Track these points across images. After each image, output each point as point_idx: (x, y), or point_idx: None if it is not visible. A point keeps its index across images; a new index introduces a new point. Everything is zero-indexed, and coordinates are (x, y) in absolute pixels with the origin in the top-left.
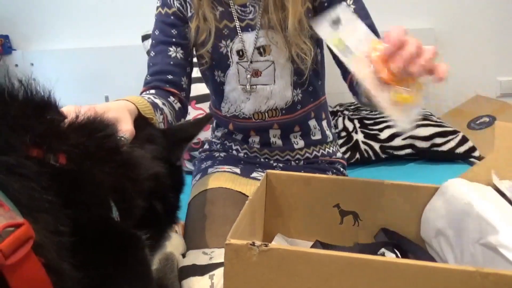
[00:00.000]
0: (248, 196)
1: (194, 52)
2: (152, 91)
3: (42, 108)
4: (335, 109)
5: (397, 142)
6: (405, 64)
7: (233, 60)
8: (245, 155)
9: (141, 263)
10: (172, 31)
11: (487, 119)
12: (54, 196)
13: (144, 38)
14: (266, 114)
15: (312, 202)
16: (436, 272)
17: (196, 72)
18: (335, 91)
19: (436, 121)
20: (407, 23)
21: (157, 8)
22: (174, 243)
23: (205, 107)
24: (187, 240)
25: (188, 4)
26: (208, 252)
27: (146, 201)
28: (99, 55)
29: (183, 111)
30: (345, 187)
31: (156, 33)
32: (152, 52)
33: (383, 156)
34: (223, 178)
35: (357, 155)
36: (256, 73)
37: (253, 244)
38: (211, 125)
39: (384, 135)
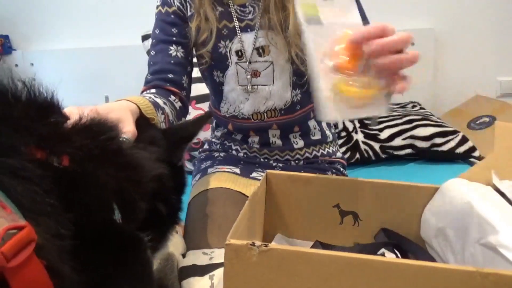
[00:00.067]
0: (248, 196)
1: (194, 52)
2: (153, 90)
3: (45, 109)
4: None
5: (397, 142)
6: (378, 50)
7: (232, 60)
8: (245, 155)
9: (143, 264)
10: (173, 30)
11: (487, 119)
12: (57, 199)
13: (144, 38)
14: (265, 114)
15: (312, 202)
16: (436, 272)
17: (196, 72)
18: None
19: (436, 121)
20: (407, 23)
21: (157, 7)
22: (174, 243)
23: (205, 107)
24: (187, 240)
25: (188, 3)
26: (208, 252)
27: (149, 203)
28: (99, 55)
29: (184, 110)
30: (345, 187)
31: (157, 32)
32: (152, 51)
33: (383, 156)
34: (223, 178)
35: (357, 155)
36: (255, 74)
37: (253, 244)
38: (210, 125)
39: (384, 135)
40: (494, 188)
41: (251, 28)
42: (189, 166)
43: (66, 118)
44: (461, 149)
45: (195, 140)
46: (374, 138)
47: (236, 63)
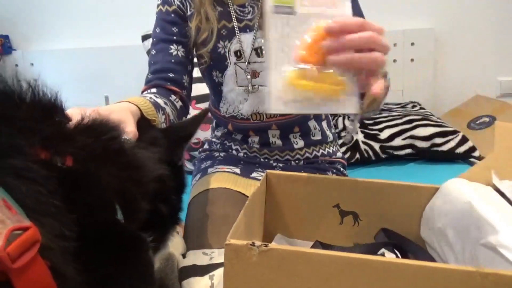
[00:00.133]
0: (248, 196)
1: (194, 52)
2: (154, 89)
3: (49, 110)
4: None
5: (397, 142)
6: (335, 47)
7: (230, 61)
8: (245, 155)
9: (145, 265)
10: (173, 29)
11: (487, 119)
12: (61, 200)
13: (144, 38)
14: (264, 115)
15: (312, 202)
16: (436, 272)
17: (196, 72)
18: None
19: (436, 121)
20: (407, 23)
21: (158, 5)
22: (174, 243)
23: (205, 107)
24: (187, 240)
25: (188, 3)
26: (208, 252)
27: (150, 204)
28: (99, 55)
29: (185, 110)
30: (345, 187)
31: (157, 31)
32: (153, 50)
33: (383, 156)
34: (223, 178)
35: (357, 155)
36: (254, 74)
37: (253, 244)
38: (210, 125)
39: (384, 135)
40: (494, 188)
41: (250, 29)
42: (189, 166)
43: (69, 119)
44: (461, 149)
45: (195, 140)
46: (374, 138)
47: (235, 63)
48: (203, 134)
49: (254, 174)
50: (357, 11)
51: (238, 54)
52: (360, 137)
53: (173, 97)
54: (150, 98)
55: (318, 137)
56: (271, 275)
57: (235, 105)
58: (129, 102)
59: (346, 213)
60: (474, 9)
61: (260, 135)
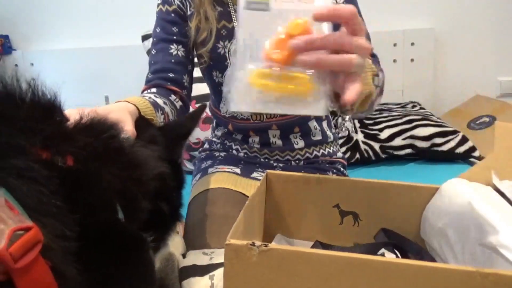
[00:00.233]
0: (248, 196)
1: (194, 52)
2: (154, 89)
3: (49, 110)
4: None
5: (397, 142)
6: (301, 46)
7: (231, 61)
8: (245, 155)
9: (145, 265)
10: (173, 28)
11: (487, 119)
12: (62, 200)
13: (144, 38)
14: (265, 115)
15: (312, 202)
16: (436, 272)
17: (196, 72)
18: None
19: (436, 121)
20: (407, 23)
21: (158, 5)
22: (174, 243)
23: None
24: (187, 240)
25: (188, 2)
26: (208, 252)
27: (151, 203)
28: (99, 55)
29: (185, 110)
30: (345, 187)
31: (157, 31)
32: (153, 50)
33: (383, 156)
34: (223, 178)
35: (357, 155)
36: None
37: (253, 244)
38: (211, 125)
39: (384, 135)
40: (494, 188)
41: None
42: (189, 166)
43: (67, 118)
44: (461, 149)
45: (195, 140)
46: (374, 138)
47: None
48: (203, 133)
49: (254, 174)
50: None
51: None
52: (360, 137)
53: (173, 97)
54: (149, 98)
55: (318, 137)
56: (271, 275)
57: None
58: (127, 101)
59: (346, 213)
60: (474, 9)
61: (260, 135)
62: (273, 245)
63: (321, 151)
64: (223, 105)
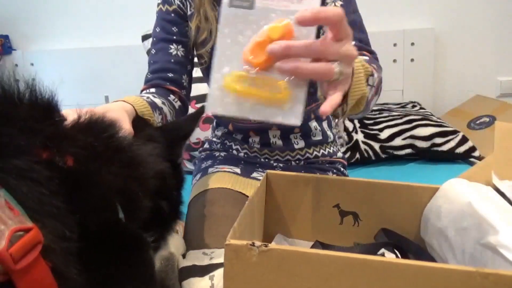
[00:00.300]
0: (248, 196)
1: (194, 52)
2: (153, 89)
3: (48, 110)
4: None
5: (397, 142)
6: (279, 52)
7: None
8: (245, 155)
9: (146, 265)
10: (173, 28)
11: (487, 119)
12: (62, 201)
13: (144, 38)
14: None
15: (312, 202)
16: (436, 272)
17: (196, 72)
18: None
19: (436, 121)
20: (407, 23)
21: (158, 5)
22: (174, 243)
23: None
24: (187, 240)
25: (188, 2)
26: (208, 252)
27: (152, 201)
28: (99, 55)
29: (184, 110)
30: (345, 187)
31: (157, 31)
32: (153, 49)
33: (383, 156)
34: (223, 178)
35: (357, 155)
36: None
37: (253, 244)
38: (211, 125)
39: (384, 135)
40: (494, 188)
41: None
42: (189, 166)
43: (65, 118)
44: (461, 149)
45: (195, 140)
46: (374, 138)
47: None
48: (204, 133)
49: (254, 174)
50: (351, 14)
51: None
52: (360, 137)
53: (171, 96)
54: (148, 97)
55: (318, 137)
56: (271, 275)
57: None
58: (124, 101)
59: (346, 213)
60: (474, 9)
61: (260, 135)
62: (273, 245)
63: (321, 151)
64: None
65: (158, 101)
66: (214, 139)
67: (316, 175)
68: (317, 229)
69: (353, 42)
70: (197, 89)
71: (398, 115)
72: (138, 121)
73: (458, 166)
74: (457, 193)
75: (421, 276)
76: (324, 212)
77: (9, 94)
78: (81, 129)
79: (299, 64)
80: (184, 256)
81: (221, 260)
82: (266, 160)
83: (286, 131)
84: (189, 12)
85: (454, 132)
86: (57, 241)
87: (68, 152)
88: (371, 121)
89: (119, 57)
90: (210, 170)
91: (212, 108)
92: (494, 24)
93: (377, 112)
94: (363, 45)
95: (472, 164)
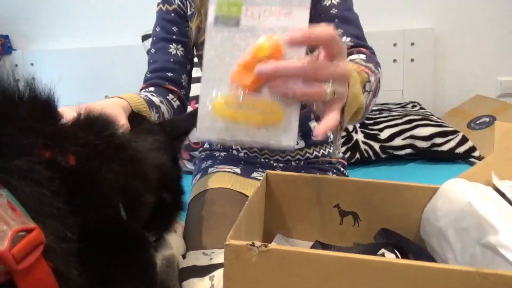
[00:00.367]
0: (248, 196)
1: (194, 52)
2: (151, 88)
3: (48, 109)
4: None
5: (397, 142)
6: (268, 73)
7: None
8: (245, 155)
9: (147, 265)
10: (173, 28)
11: (487, 119)
12: (64, 201)
13: (144, 38)
14: None
15: (312, 202)
16: (436, 272)
17: (195, 72)
18: None
19: (436, 121)
20: (407, 23)
21: (158, 4)
22: (174, 243)
23: None
24: (187, 240)
25: (188, 2)
26: (208, 252)
27: (155, 195)
28: (99, 55)
29: (182, 109)
30: (345, 187)
31: (157, 30)
32: (152, 49)
33: (383, 156)
34: (223, 178)
35: (357, 155)
36: None
37: (253, 244)
38: None
39: (384, 135)
40: (494, 188)
41: None
42: (189, 166)
43: (63, 116)
44: (461, 149)
45: (195, 140)
46: (374, 138)
47: None
48: None
49: (254, 174)
50: (345, 12)
51: None
52: (360, 137)
53: (170, 96)
54: (145, 96)
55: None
56: (271, 276)
57: None
58: (120, 97)
59: (346, 213)
60: (474, 9)
61: None
62: (273, 245)
63: (321, 151)
64: None
65: (156, 99)
66: None
67: (316, 175)
68: (317, 229)
69: (349, 39)
70: (196, 89)
71: (398, 115)
72: (134, 116)
73: (458, 166)
74: (457, 193)
75: (421, 276)
76: (324, 212)
77: (9, 94)
78: (81, 127)
79: (290, 88)
80: (184, 256)
81: (221, 260)
82: (266, 160)
83: None
84: (189, 12)
85: (454, 132)
86: (58, 242)
87: (69, 151)
88: (371, 121)
89: (119, 57)
90: (210, 170)
91: (203, 135)
92: (494, 24)
93: (377, 112)
94: (360, 41)
95: (472, 164)
